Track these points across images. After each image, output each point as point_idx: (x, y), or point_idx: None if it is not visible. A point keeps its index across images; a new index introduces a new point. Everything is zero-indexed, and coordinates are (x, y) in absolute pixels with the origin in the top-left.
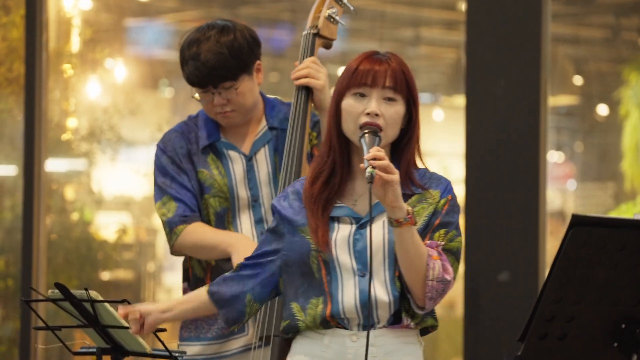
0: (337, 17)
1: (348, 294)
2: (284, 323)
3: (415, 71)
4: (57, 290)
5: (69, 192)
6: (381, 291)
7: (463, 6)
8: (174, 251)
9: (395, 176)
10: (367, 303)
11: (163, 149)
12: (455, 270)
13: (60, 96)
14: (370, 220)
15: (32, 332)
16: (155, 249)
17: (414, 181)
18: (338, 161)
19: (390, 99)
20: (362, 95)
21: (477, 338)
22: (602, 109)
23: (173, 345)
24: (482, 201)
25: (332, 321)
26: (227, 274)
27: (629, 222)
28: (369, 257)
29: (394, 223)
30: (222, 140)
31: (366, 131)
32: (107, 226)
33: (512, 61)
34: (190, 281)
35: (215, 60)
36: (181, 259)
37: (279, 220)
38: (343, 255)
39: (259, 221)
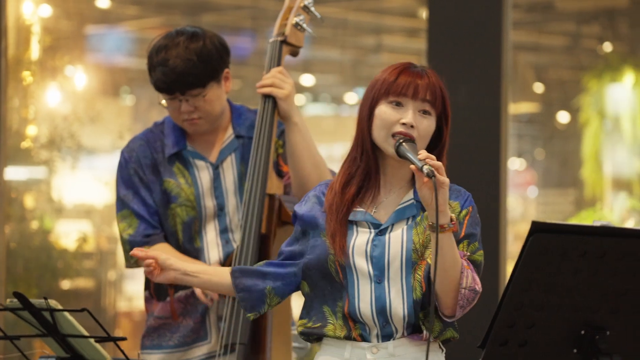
0: (304, 25)
1: (364, 300)
2: (315, 325)
3: None
4: (16, 300)
5: (29, 201)
6: (396, 299)
7: (424, 14)
8: (131, 267)
9: (447, 179)
10: (382, 309)
11: (127, 158)
12: None
13: (20, 104)
14: (437, 226)
15: None
16: (116, 257)
17: None
18: (372, 166)
19: (425, 112)
20: (399, 104)
21: None
22: (563, 116)
23: (134, 354)
24: None
25: (353, 325)
26: (249, 267)
27: (589, 229)
28: (402, 260)
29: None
30: (189, 149)
31: (402, 140)
32: (67, 235)
33: (473, 69)
34: (152, 289)
35: (184, 66)
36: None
37: (303, 224)
38: (360, 261)
39: (223, 230)
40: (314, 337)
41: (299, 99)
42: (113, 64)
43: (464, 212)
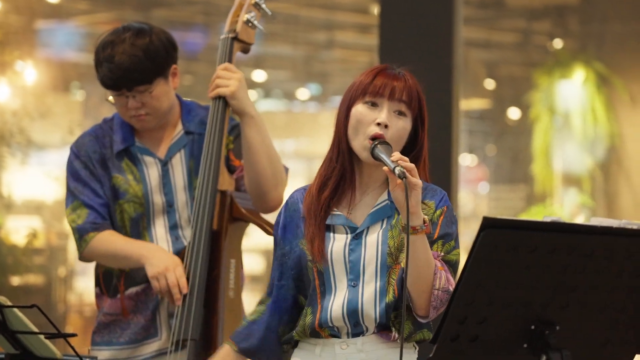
0: (255, 22)
1: (337, 304)
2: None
3: (329, 74)
4: None
5: None
6: (369, 302)
7: (376, 10)
8: (83, 258)
9: (420, 181)
10: (354, 312)
11: (76, 153)
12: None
13: None
14: (408, 227)
15: None
16: (66, 253)
17: None
18: (347, 167)
19: (400, 113)
20: (374, 104)
21: None
22: (514, 112)
23: (84, 350)
24: None
25: (322, 332)
26: (246, 324)
27: (539, 225)
28: (377, 262)
29: (410, 230)
30: (137, 145)
31: (377, 142)
32: (17, 231)
33: (425, 65)
34: (102, 285)
35: (130, 62)
36: (93, 262)
37: (280, 240)
38: (338, 267)
39: (173, 227)
40: (291, 342)
41: (251, 95)
42: (63, 59)
43: (438, 211)
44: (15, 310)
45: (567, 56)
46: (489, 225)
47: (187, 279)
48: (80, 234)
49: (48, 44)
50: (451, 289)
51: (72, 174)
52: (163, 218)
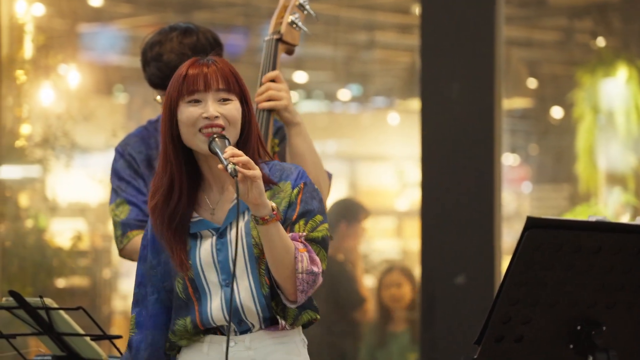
0: (299, 23)
1: (215, 307)
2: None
3: (370, 75)
4: (11, 298)
5: (23, 199)
6: (247, 298)
7: (417, 10)
8: (123, 254)
9: (257, 171)
10: (234, 311)
11: (121, 152)
12: (324, 260)
13: (14, 102)
14: (237, 217)
15: None
16: (111, 255)
17: (264, 177)
18: (177, 174)
19: (225, 100)
20: (197, 101)
21: (434, 341)
22: (557, 112)
23: None
24: (438, 204)
25: (204, 330)
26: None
27: (584, 224)
28: (231, 266)
29: (259, 221)
30: None
31: (215, 136)
32: (62, 233)
33: (467, 64)
34: None
35: (178, 61)
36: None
37: (148, 254)
38: (209, 270)
39: None
40: (176, 349)
41: (293, 97)
42: (106, 62)
43: (295, 190)
44: (61, 312)
45: (609, 54)
46: (533, 225)
47: None
48: (124, 230)
49: (91, 47)
50: (315, 269)
51: (116, 172)
52: None
